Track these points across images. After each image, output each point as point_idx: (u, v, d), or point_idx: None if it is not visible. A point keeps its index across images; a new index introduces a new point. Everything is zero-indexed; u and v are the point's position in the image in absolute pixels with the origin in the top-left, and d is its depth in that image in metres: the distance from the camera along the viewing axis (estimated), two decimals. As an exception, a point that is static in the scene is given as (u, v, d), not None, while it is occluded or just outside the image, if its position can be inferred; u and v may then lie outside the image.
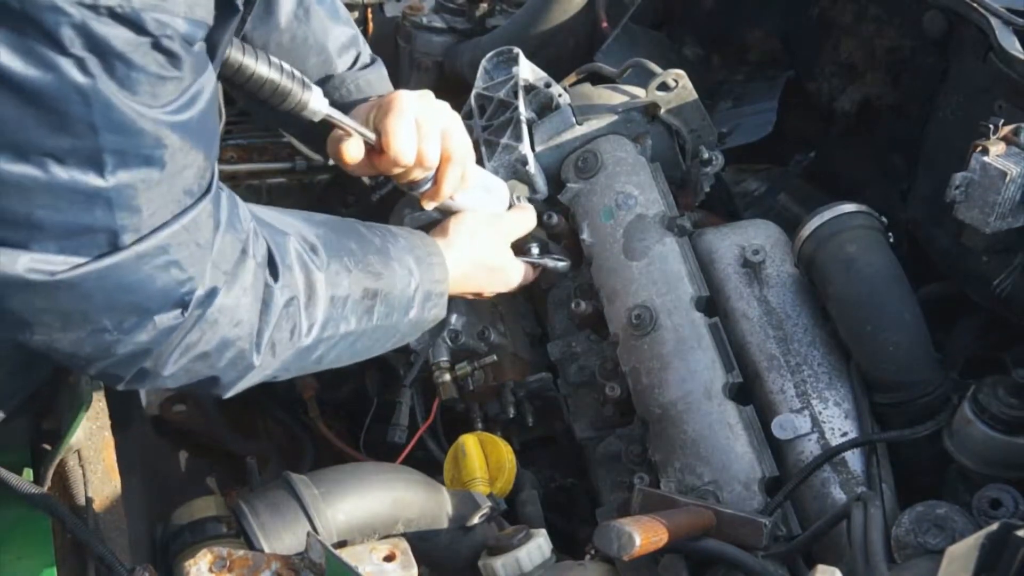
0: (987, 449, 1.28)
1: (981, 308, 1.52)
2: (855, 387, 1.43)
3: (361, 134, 1.34)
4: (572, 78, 1.84)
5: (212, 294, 1.07)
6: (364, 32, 2.15)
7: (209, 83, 1.01)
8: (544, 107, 1.73)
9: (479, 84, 1.73)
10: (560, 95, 1.71)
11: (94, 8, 0.85)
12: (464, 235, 1.45)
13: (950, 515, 1.25)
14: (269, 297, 1.13)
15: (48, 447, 1.34)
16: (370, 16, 2.24)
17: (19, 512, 1.26)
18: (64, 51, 0.86)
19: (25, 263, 0.93)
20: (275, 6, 1.42)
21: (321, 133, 1.40)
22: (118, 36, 0.88)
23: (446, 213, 1.49)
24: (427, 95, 1.42)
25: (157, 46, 0.91)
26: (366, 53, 1.52)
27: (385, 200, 1.65)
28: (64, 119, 0.88)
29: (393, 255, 1.32)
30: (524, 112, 1.67)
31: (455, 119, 1.42)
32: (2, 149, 0.87)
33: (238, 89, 1.27)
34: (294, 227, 1.22)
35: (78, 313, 0.99)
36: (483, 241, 1.47)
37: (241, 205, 1.14)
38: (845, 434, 1.40)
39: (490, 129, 1.65)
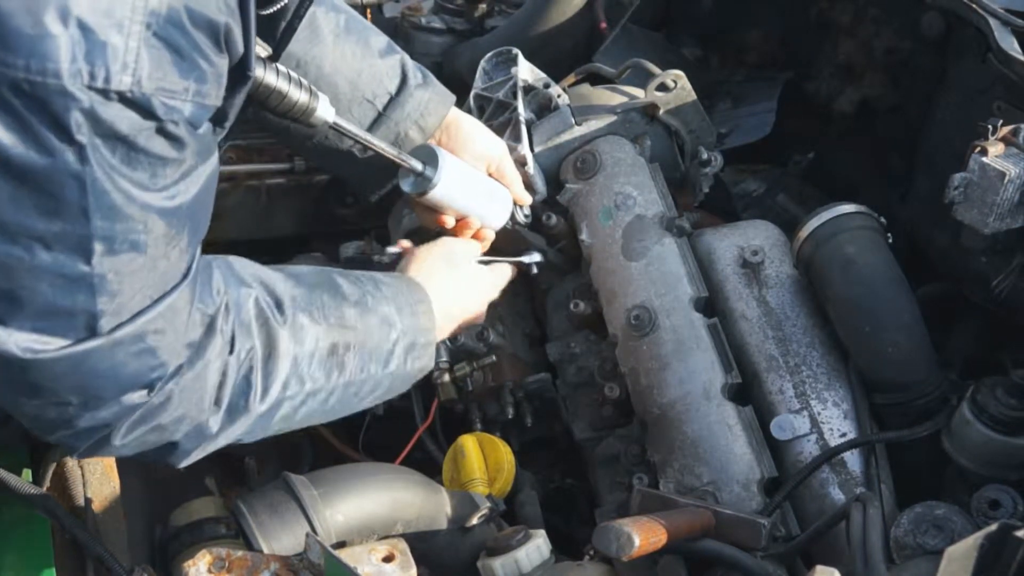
0: (986, 450, 1.28)
1: (980, 309, 1.52)
2: (854, 388, 1.43)
3: (390, 154, 1.38)
4: (571, 79, 1.84)
5: (177, 372, 1.06)
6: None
7: (210, 165, 1.01)
8: (543, 108, 1.73)
9: (478, 85, 1.73)
10: (559, 96, 1.71)
11: (104, 93, 0.85)
12: (438, 272, 1.42)
13: (949, 516, 1.25)
14: (225, 367, 1.11)
15: (47, 448, 1.34)
16: (369, 17, 2.24)
17: (18, 513, 1.26)
18: (69, 138, 0.85)
19: (5, 343, 0.92)
20: (318, 26, 1.43)
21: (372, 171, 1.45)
22: (125, 119, 0.87)
23: (440, 209, 1.49)
24: (479, 125, 1.54)
25: (162, 131, 0.91)
26: (410, 62, 1.53)
27: (384, 200, 1.65)
28: (58, 203, 0.88)
29: (371, 306, 1.28)
30: (523, 113, 1.67)
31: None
32: None
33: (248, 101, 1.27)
34: (263, 281, 1.19)
35: (47, 390, 0.99)
36: (457, 273, 1.45)
37: (215, 273, 1.12)
38: (844, 435, 1.40)
39: (489, 130, 1.65)
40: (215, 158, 1.03)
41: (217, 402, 1.11)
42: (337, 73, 1.44)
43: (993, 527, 0.97)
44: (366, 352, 1.25)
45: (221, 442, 1.15)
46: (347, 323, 1.24)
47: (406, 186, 1.47)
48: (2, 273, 0.89)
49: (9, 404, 1.02)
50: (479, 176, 1.53)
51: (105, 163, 0.88)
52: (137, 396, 1.03)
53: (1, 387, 0.99)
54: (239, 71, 1.00)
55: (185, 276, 1.04)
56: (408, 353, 1.30)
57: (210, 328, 1.09)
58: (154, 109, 0.89)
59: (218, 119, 1.01)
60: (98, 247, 0.91)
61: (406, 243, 1.51)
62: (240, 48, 0.97)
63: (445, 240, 1.50)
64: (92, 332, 0.96)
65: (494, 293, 1.53)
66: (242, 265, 1.19)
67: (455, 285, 1.44)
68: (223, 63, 0.96)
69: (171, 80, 0.89)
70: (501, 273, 1.55)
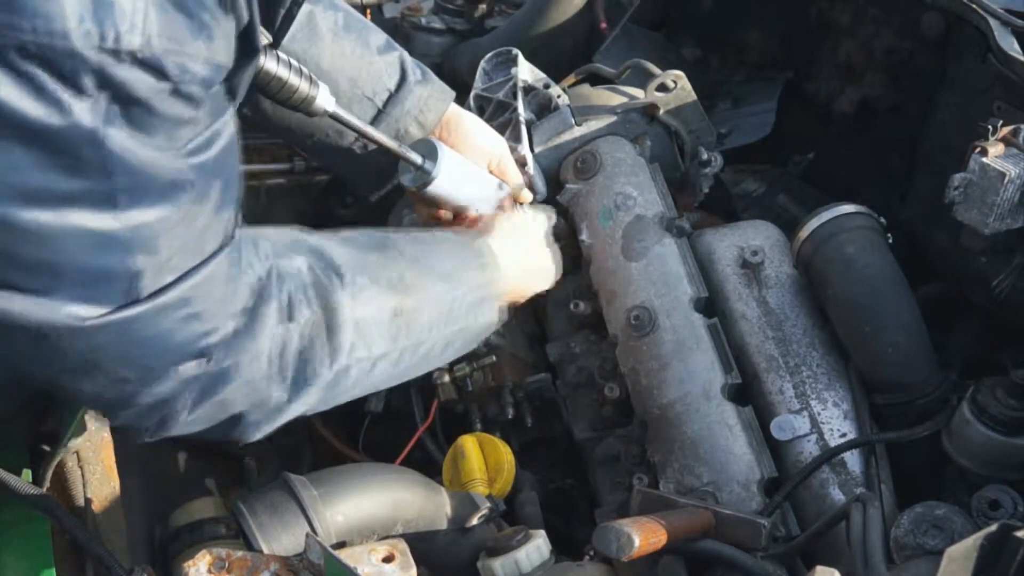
0: (986, 450, 1.28)
1: (980, 309, 1.52)
2: (854, 388, 1.43)
3: (390, 146, 1.38)
4: (571, 79, 1.84)
5: (232, 339, 1.05)
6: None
7: (228, 127, 1.00)
8: (543, 108, 1.73)
9: (478, 85, 1.73)
10: (559, 96, 1.71)
11: (115, 54, 0.83)
12: (506, 236, 1.44)
13: (949, 516, 1.25)
14: (286, 335, 1.10)
15: (47, 448, 1.34)
16: (369, 17, 2.24)
17: (18, 513, 1.26)
18: (81, 97, 0.84)
19: (43, 312, 0.91)
20: (316, 24, 1.43)
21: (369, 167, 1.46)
22: (138, 81, 0.86)
23: (439, 204, 1.50)
24: (479, 121, 1.54)
25: (176, 91, 0.89)
26: (409, 58, 1.53)
27: (384, 200, 1.65)
28: (78, 161, 0.86)
29: (431, 263, 1.29)
30: (523, 113, 1.67)
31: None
32: (15, 195, 0.85)
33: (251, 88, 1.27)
34: (314, 248, 1.19)
35: (99, 364, 0.98)
36: (523, 241, 1.47)
37: (261, 242, 1.12)
38: (844, 435, 1.40)
39: (489, 130, 1.65)
40: (232, 119, 1.02)
41: (281, 372, 1.11)
42: (336, 71, 1.45)
43: (993, 527, 0.97)
44: (430, 311, 1.25)
45: (293, 413, 1.15)
46: (407, 283, 1.24)
47: (406, 180, 1.47)
48: (37, 242, 0.88)
49: (71, 388, 1.01)
50: (478, 171, 1.53)
51: (120, 125, 0.87)
52: (192, 367, 1.02)
53: (60, 369, 0.98)
54: (246, 41, 0.99)
55: (226, 240, 1.03)
56: (474, 308, 1.31)
57: (262, 295, 1.08)
58: (167, 69, 0.87)
59: (228, 91, 1.00)
60: (123, 202, 0.90)
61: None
62: (245, 14, 0.96)
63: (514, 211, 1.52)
64: (134, 297, 0.95)
65: (560, 262, 1.53)
66: (291, 234, 1.19)
67: (520, 245, 1.46)
68: (230, 25, 0.95)
69: (181, 39, 0.88)
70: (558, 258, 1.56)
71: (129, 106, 0.87)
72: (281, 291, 1.11)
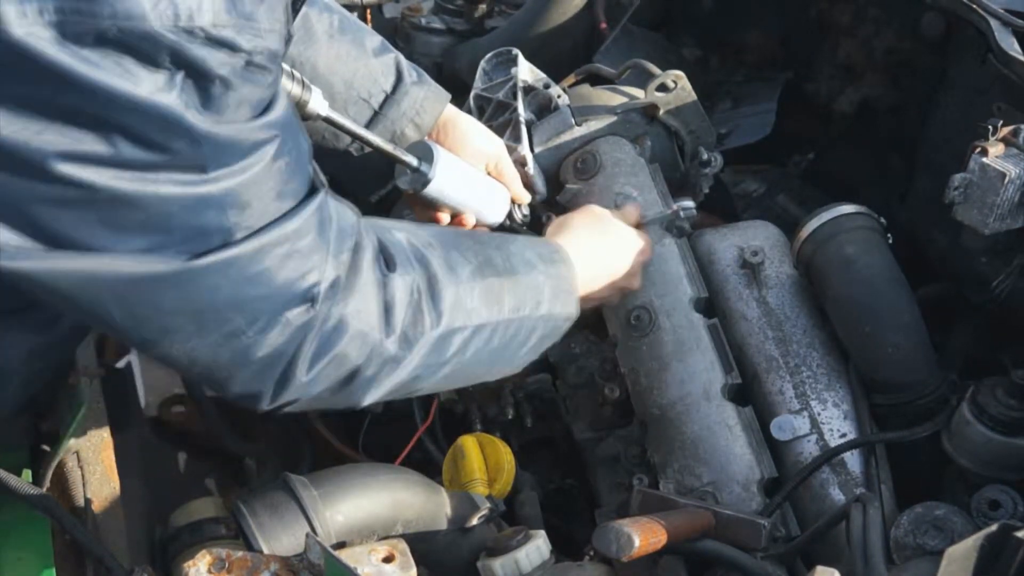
0: (986, 450, 1.28)
1: (980, 309, 1.52)
2: (854, 388, 1.43)
3: (385, 149, 1.38)
4: (571, 79, 1.84)
5: (336, 286, 1.08)
6: (363, 33, 2.15)
7: (281, 89, 1.03)
8: (543, 108, 1.72)
9: (478, 85, 1.73)
10: (559, 96, 1.71)
11: (189, 32, 0.87)
12: (581, 232, 1.45)
13: (949, 516, 1.26)
14: (390, 287, 1.13)
15: (47, 448, 1.34)
16: (369, 17, 2.24)
17: (18, 513, 1.26)
18: (160, 73, 0.88)
19: (148, 261, 0.95)
20: (312, 26, 1.44)
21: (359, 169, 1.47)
22: (213, 58, 0.89)
23: (436, 206, 1.50)
24: (476, 123, 1.55)
25: (250, 63, 0.93)
26: (404, 61, 1.53)
27: (384, 201, 1.65)
28: (167, 134, 0.90)
29: (512, 250, 1.31)
30: (523, 113, 1.67)
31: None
32: (109, 164, 0.89)
33: None
34: (404, 228, 1.23)
35: (208, 311, 1.01)
36: (601, 234, 1.47)
37: (348, 204, 1.16)
38: (844, 435, 1.40)
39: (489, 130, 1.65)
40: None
41: (390, 324, 1.13)
42: (332, 73, 1.45)
43: (993, 528, 0.97)
44: (518, 290, 1.27)
45: (404, 373, 1.16)
46: (494, 262, 1.27)
47: (402, 183, 1.47)
48: (136, 206, 0.92)
49: (185, 355, 1.04)
50: (475, 173, 1.53)
51: (200, 102, 0.91)
52: (300, 312, 1.05)
53: (170, 331, 1.01)
54: (295, 8, 1.04)
55: (311, 193, 1.07)
56: (555, 297, 1.32)
57: (358, 245, 1.12)
58: (240, 44, 0.91)
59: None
60: (212, 167, 0.94)
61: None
62: None
63: (589, 206, 1.52)
64: (233, 240, 0.99)
65: (645, 253, 1.51)
66: (371, 219, 1.22)
67: (596, 241, 1.45)
68: None
69: (247, 13, 0.91)
70: (645, 246, 1.53)
71: (206, 83, 0.91)
72: (382, 248, 1.15)
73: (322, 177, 1.11)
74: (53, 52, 0.83)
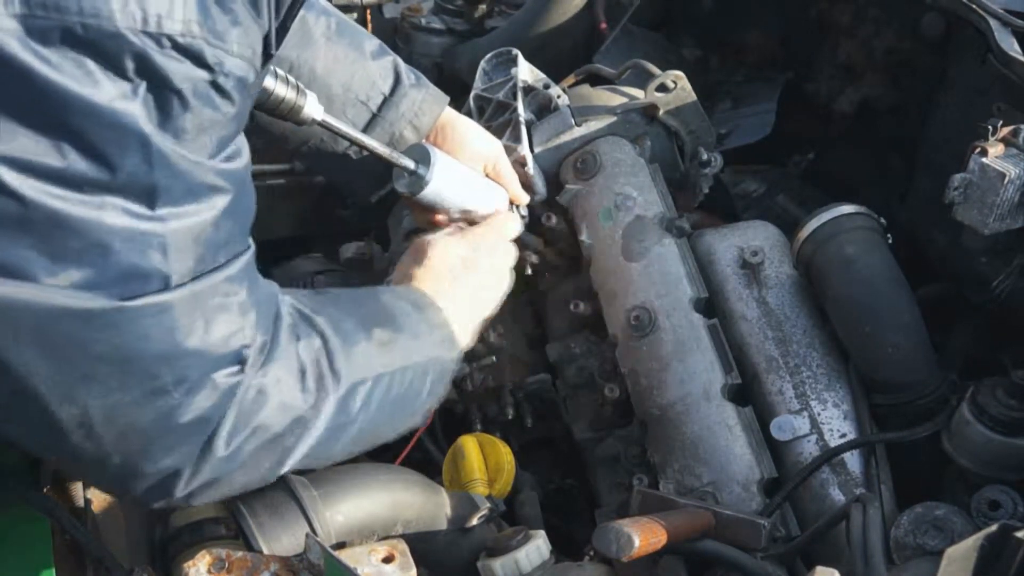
0: (986, 450, 1.28)
1: (980, 309, 1.52)
2: (854, 388, 1.43)
3: (382, 152, 1.38)
4: (571, 79, 1.84)
5: (261, 352, 1.06)
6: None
7: (246, 144, 1.01)
8: (543, 108, 1.73)
9: (478, 85, 1.73)
10: (559, 96, 1.71)
11: (157, 39, 0.85)
12: (443, 276, 1.40)
13: (949, 516, 1.26)
14: (299, 354, 1.12)
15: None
16: (369, 18, 2.24)
17: (18, 513, 1.26)
18: (122, 80, 0.85)
19: (79, 296, 0.90)
20: (309, 29, 1.43)
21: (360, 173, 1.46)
22: (177, 70, 0.87)
23: (435, 209, 1.50)
24: (474, 125, 1.54)
25: (215, 84, 0.90)
26: (402, 63, 1.53)
27: (383, 201, 1.65)
28: (123, 150, 0.87)
29: (385, 302, 1.29)
30: (523, 113, 1.67)
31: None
32: (55, 180, 0.85)
33: None
34: (286, 292, 1.19)
35: (136, 360, 0.95)
36: (465, 275, 1.43)
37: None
38: (844, 435, 1.40)
39: (489, 130, 1.64)
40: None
41: (305, 392, 1.11)
42: (330, 75, 1.45)
43: (993, 528, 0.97)
44: (402, 338, 1.25)
45: (314, 437, 1.14)
46: (374, 315, 1.25)
47: (400, 186, 1.47)
48: (76, 233, 0.87)
49: (103, 411, 0.96)
50: (473, 175, 1.53)
51: (160, 120, 0.88)
52: (229, 373, 1.02)
53: (93, 379, 0.94)
54: (267, 47, 0.99)
55: (248, 247, 1.04)
56: (438, 341, 1.31)
57: (278, 313, 1.10)
58: (206, 58, 0.88)
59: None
60: (161, 199, 0.91)
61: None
62: (266, 21, 0.97)
63: (419, 243, 1.45)
64: (168, 287, 0.95)
65: (508, 280, 1.50)
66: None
67: (463, 278, 1.42)
68: (259, 27, 0.96)
69: (219, 31, 0.89)
70: (509, 255, 1.52)
71: (167, 98, 0.87)
72: (287, 310, 1.13)
73: (250, 238, 1.07)
74: (14, 48, 0.80)
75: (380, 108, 1.49)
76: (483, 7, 2.23)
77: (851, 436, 1.40)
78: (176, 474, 1.03)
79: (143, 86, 0.86)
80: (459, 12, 2.24)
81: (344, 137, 1.39)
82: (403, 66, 1.52)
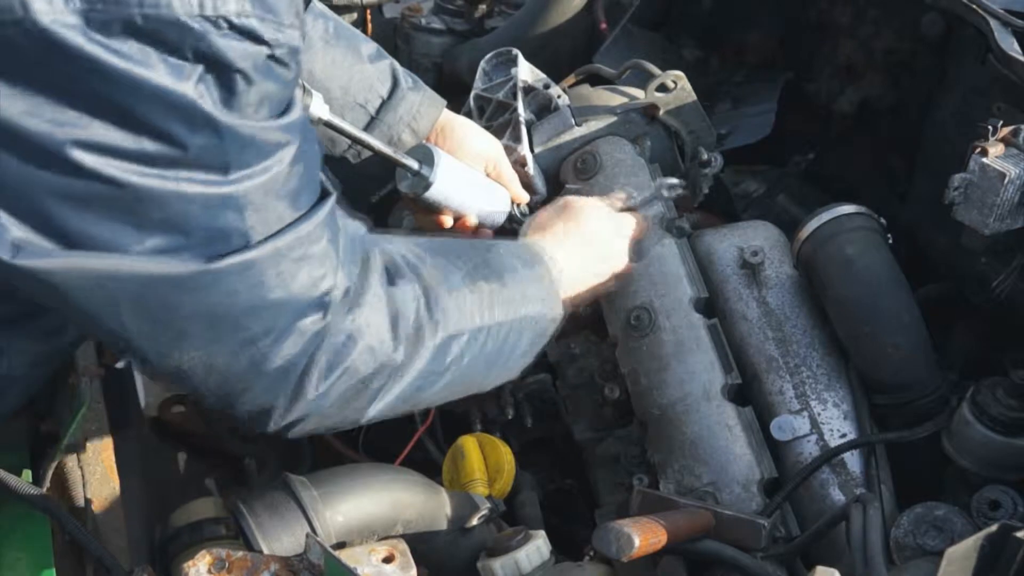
0: (986, 450, 1.28)
1: (980, 309, 1.52)
2: (854, 388, 1.43)
3: (386, 153, 1.38)
4: (571, 79, 1.84)
5: (347, 297, 1.09)
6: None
7: (297, 94, 1.03)
8: (543, 108, 1.73)
9: (478, 85, 1.73)
10: (559, 96, 1.71)
11: (215, 22, 0.87)
12: (559, 232, 1.44)
13: (949, 516, 1.26)
14: (396, 298, 1.14)
15: (47, 448, 1.34)
16: (369, 18, 2.24)
17: (18, 513, 1.26)
18: (184, 64, 0.88)
19: (167, 262, 0.94)
20: (307, 32, 1.44)
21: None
22: (235, 49, 0.90)
23: (437, 209, 1.50)
24: (473, 126, 1.55)
25: (272, 57, 0.93)
26: (400, 67, 1.54)
27: (384, 201, 1.65)
28: (191, 128, 0.90)
29: (496, 255, 1.31)
30: (523, 113, 1.67)
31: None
32: (131, 159, 0.89)
33: None
34: (395, 239, 1.23)
35: (225, 316, 1.01)
36: (578, 235, 1.46)
37: (359, 216, 1.17)
38: (844, 435, 1.40)
39: (489, 130, 1.65)
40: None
41: (396, 337, 1.14)
42: (329, 79, 1.45)
43: (993, 528, 0.97)
44: (506, 293, 1.28)
45: (406, 383, 1.17)
46: (481, 268, 1.27)
47: (404, 187, 1.47)
48: (157, 204, 0.92)
49: (201, 363, 1.03)
50: (475, 175, 1.53)
51: (223, 95, 0.91)
52: (314, 320, 1.06)
53: (185, 336, 1.00)
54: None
55: (324, 196, 1.07)
56: (540, 299, 1.33)
57: (367, 257, 1.13)
58: (262, 34, 0.91)
59: None
60: (233, 166, 0.94)
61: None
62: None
63: (567, 199, 1.51)
64: (250, 243, 0.99)
65: (631, 237, 1.52)
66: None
67: (575, 238, 1.45)
68: None
69: (269, 3, 0.92)
70: (632, 227, 1.53)
71: (228, 77, 0.91)
72: (382, 259, 1.16)
73: (331, 184, 1.11)
74: (79, 41, 0.83)
75: (378, 111, 1.49)
76: (483, 7, 2.23)
77: (851, 436, 1.40)
78: (270, 410, 1.10)
79: (204, 68, 0.89)
80: (459, 12, 2.24)
81: (348, 137, 1.40)
82: (400, 69, 1.53)
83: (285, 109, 0.99)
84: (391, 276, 1.16)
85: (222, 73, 0.90)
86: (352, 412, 1.16)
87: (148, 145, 0.89)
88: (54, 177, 0.88)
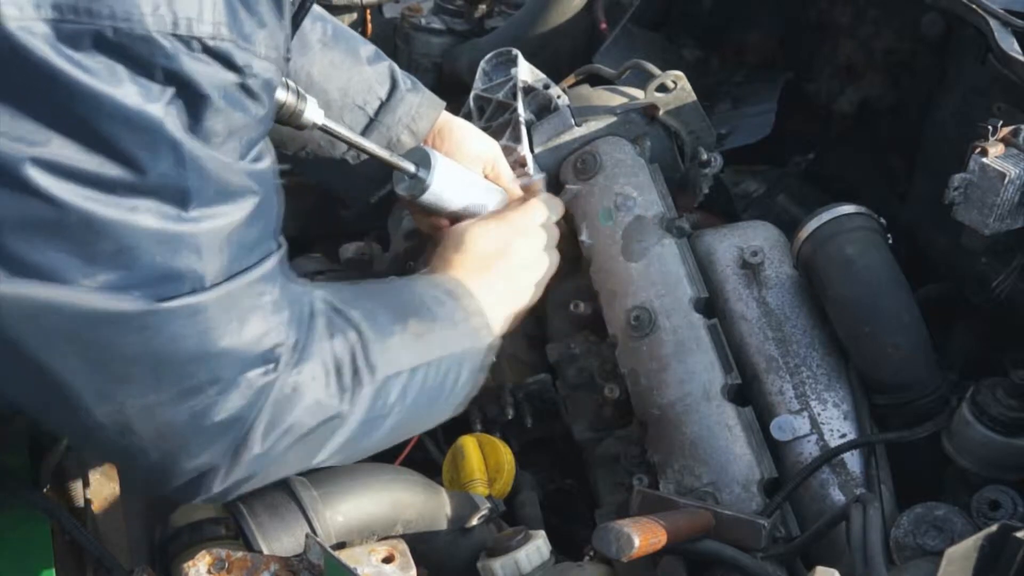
0: (986, 450, 1.28)
1: (980, 309, 1.52)
2: (854, 388, 1.43)
3: (383, 156, 1.39)
4: (571, 79, 1.84)
5: (295, 351, 1.06)
6: (363, 34, 2.15)
7: (270, 145, 1.02)
8: (543, 108, 1.73)
9: (478, 85, 1.73)
10: (559, 96, 1.71)
11: (187, 42, 0.85)
12: (475, 264, 1.41)
13: (949, 516, 1.26)
14: (334, 350, 1.12)
15: (47, 449, 1.34)
16: (368, 18, 2.24)
17: (18, 514, 1.26)
18: (153, 84, 0.85)
19: (114, 299, 0.90)
20: (305, 35, 1.43)
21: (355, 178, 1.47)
22: (206, 73, 0.87)
23: (435, 212, 1.50)
24: (472, 127, 1.54)
25: (243, 87, 0.91)
26: (398, 69, 1.54)
27: (383, 202, 1.65)
28: (155, 153, 0.87)
29: (419, 292, 1.30)
30: (523, 113, 1.67)
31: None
32: (88, 182, 0.86)
33: None
34: (319, 286, 1.21)
35: (170, 362, 0.96)
36: (498, 260, 1.44)
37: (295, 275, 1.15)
38: (844, 435, 1.40)
39: (489, 131, 1.65)
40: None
41: (340, 388, 1.12)
42: (327, 81, 1.45)
43: (993, 528, 0.97)
44: (437, 328, 1.26)
45: (349, 431, 1.15)
46: (408, 307, 1.25)
47: (401, 189, 1.47)
48: (110, 235, 0.88)
49: (141, 412, 0.97)
50: (473, 176, 1.53)
51: (189, 124, 0.89)
52: (261, 373, 1.03)
53: (128, 381, 0.95)
54: (286, 51, 1.01)
55: (279, 246, 1.05)
56: (473, 330, 1.32)
57: (312, 309, 1.10)
58: (235, 60, 0.89)
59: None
60: (193, 201, 0.91)
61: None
62: (288, 22, 0.98)
63: (455, 231, 1.47)
64: (201, 287, 0.96)
65: (546, 265, 1.51)
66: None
67: (495, 264, 1.43)
68: (284, 27, 0.97)
69: (246, 34, 0.90)
70: (542, 239, 1.51)
71: (196, 102, 0.88)
72: (320, 307, 1.13)
73: (281, 236, 1.09)
74: (45, 51, 0.80)
75: (377, 113, 1.49)
76: (483, 7, 2.23)
77: (851, 436, 1.40)
78: (212, 471, 1.05)
79: (173, 90, 0.87)
80: (459, 12, 2.24)
81: (344, 141, 1.40)
82: (399, 71, 1.53)
83: (256, 156, 0.97)
84: (330, 328, 1.13)
85: (190, 97, 0.88)
86: (294, 465, 1.14)
87: (108, 168, 0.86)
88: (8, 197, 0.83)
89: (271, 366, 1.04)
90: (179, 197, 0.90)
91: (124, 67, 0.84)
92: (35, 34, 0.80)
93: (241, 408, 1.02)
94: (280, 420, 1.06)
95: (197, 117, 0.89)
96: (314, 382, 1.09)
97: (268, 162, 1.00)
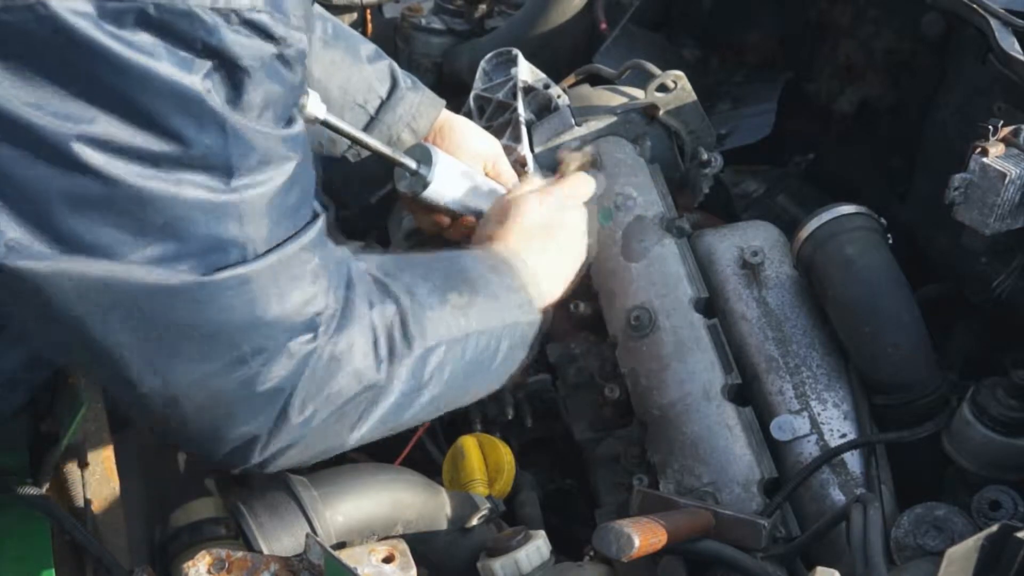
0: (986, 450, 1.28)
1: (980, 309, 1.52)
2: (854, 388, 1.43)
3: (384, 152, 1.38)
4: (571, 79, 1.84)
5: (334, 319, 1.07)
6: (363, 34, 2.15)
7: (300, 115, 1.03)
8: (543, 108, 1.73)
9: (478, 85, 1.73)
10: (559, 96, 1.71)
11: (226, 16, 0.87)
12: (522, 237, 1.40)
13: (949, 517, 1.26)
14: (375, 320, 1.13)
15: (47, 449, 1.34)
16: (369, 18, 2.24)
17: (18, 514, 1.26)
18: (195, 58, 0.87)
19: (163, 272, 0.92)
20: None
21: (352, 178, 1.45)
22: (245, 46, 0.89)
23: (436, 209, 1.50)
24: (472, 125, 1.54)
25: (281, 57, 0.93)
26: (398, 67, 1.54)
27: (383, 201, 1.65)
28: (200, 124, 0.89)
29: (464, 265, 1.30)
30: (523, 113, 1.67)
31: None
32: (134, 157, 0.87)
33: None
34: (363, 258, 1.21)
35: (219, 333, 0.97)
36: (544, 237, 1.42)
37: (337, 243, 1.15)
38: (844, 435, 1.40)
39: (489, 130, 1.65)
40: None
41: (378, 355, 1.12)
42: (328, 79, 1.45)
43: (993, 528, 0.97)
44: (478, 302, 1.25)
45: (387, 404, 1.14)
46: (450, 279, 1.25)
47: (402, 186, 1.47)
48: (158, 208, 0.90)
49: (193, 382, 0.99)
50: (474, 174, 1.53)
51: (230, 92, 0.90)
52: (304, 341, 1.03)
53: (178, 354, 0.97)
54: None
55: (319, 214, 1.06)
56: (515, 305, 1.30)
57: (350, 279, 1.11)
58: (272, 31, 0.90)
59: None
60: (237, 171, 0.93)
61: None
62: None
63: (510, 200, 1.45)
64: (247, 258, 0.97)
65: (586, 242, 1.48)
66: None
67: (541, 241, 1.40)
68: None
69: (280, 2, 0.91)
70: (584, 217, 1.49)
71: (235, 74, 0.90)
72: (359, 276, 1.14)
73: (321, 205, 1.10)
74: (91, 30, 0.82)
75: (378, 111, 1.49)
76: (483, 7, 2.23)
77: (851, 436, 1.40)
78: (254, 440, 1.06)
79: (214, 63, 0.88)
80: (459, 12, 2.24)
81: (346, 136, 1.40)
82: (399, 70, 1.53)
83: (288, 121, 0.98)
84: (369, 298, 1.14)
85: (230, 70, 0.89)
86: (334, 438, 1.14)
87: (154, 143, 0.87)
88: (58, 175, 0.86)
89: (312, 335, 1.05)
90: (223, 168, 0.92)
91: (166, 43, 0.85)
92: (80, 13, 0.81)
93: (284, 377, 1.03)
94: (319, 389, 1.07)
95: (238, 89, 0.91)
96: (353, 351, 1.09)
97: (300, 125, 1.01)
